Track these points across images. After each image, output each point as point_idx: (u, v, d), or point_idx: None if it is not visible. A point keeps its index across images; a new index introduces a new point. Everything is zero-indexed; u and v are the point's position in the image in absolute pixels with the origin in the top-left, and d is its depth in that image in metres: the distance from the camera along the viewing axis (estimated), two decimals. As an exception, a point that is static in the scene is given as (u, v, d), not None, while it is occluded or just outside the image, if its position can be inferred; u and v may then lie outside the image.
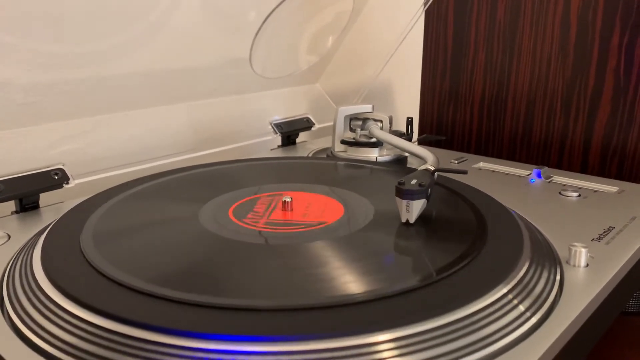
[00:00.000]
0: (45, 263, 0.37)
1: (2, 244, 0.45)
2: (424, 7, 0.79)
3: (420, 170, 0.48)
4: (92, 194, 0.52)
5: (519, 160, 0.76)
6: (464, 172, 0.50)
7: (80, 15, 0.54)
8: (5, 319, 0.34)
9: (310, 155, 0.72)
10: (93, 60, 0.59)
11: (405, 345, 0.29)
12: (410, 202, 0.43)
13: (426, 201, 0.44)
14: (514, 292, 0.35)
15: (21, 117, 0.56)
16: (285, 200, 0.47)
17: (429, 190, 0.45)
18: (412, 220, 0.43)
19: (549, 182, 0.60)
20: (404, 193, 0.43)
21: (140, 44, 0.61)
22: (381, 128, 0.66)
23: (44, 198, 0.54)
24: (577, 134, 0.71)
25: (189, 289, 0.33)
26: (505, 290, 0.34)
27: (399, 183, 0.44)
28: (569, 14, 0.70)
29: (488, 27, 0.77)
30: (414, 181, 0.44)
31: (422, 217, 0.45)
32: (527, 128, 0.75)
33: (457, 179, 0.55)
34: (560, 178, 0.61)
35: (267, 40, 0.74)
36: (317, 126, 0.82)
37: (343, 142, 0.67)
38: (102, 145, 0.64)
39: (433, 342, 0.30)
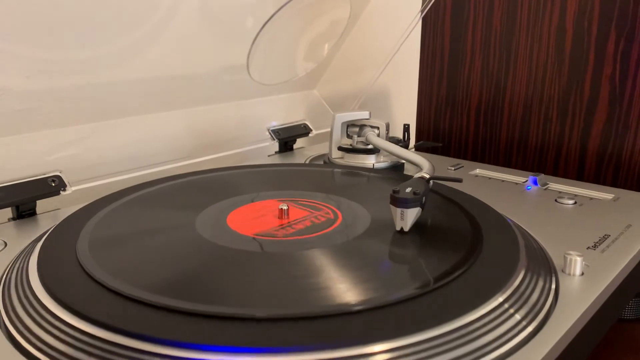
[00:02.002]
0: (41, 271, 0.37)
1: (-1, 251, 0.45)
2: (421, 14, 0.79)
3: (415, 178, 0.48)
4: (89, 201, 0.52)
5: (515, 167, 0.76)
6: (459, 181, 0.51)
7: (78, 22, 0.54)
8: (0, 327, 0.34)
9: (307, 161, 0.72)
10: (91, 67, 0.59)
11: (400, 356, 0.29)
12: (405, 210, 0.43)
13: (421, 209, 0.44)
14: (510, 301, 0.35)
15: (18, 123, 0.56)
16: (282, 208, 0.47)
17: (424, 198, 0.45)
18: (406, 229, 0.44)
19: (545, 189, 0.60)
20: (398, 201, 0.43)
21: (138, 51, 0.61)
22: (378, 135, 0.66)
23: (41, 205, 0.54)
24: (573, 141, 0.72)
25: (186, 298, 0.33)
26: (501, 299, 0.35)
27: (394, 191, 0.44)
28: (565, 21, 0.70)
29: (484, 34, 0.77)
30: (408, 189, 0.44)
31: (418, 225, 0.45)
32: (523, 135, 0.76)
33: (453, 187, 0.55)
34: (556, 185, 0.61)
35: (265, 47, 0.74)
36: (314, 132, 0.82)
37: (340, 148, 0.67)
38: (99, 152, 0.64)
39: (429, 353, 0.30)
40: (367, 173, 0.61)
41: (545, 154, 0.74)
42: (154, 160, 0.69)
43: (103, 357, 0.29)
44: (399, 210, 0.43)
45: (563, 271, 0.41)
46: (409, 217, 0.43)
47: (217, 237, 0.43)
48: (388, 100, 0.99)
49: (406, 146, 0.68)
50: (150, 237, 0.44)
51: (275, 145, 0.78)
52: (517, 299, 0.35)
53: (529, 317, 0.34)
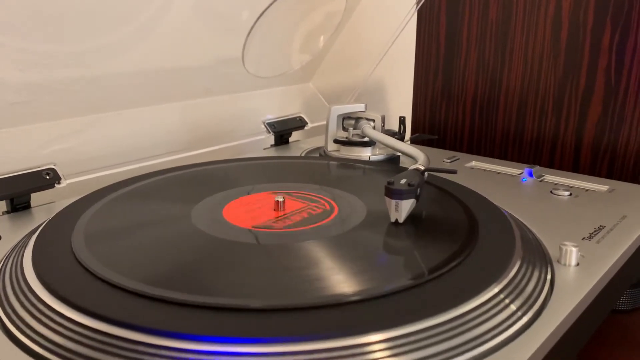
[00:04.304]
0: (36, 264, 0.37)
1: (-7, 244, 0.45)
2: (417, 7, 0.79)
3: (410, 170, 0.48)
4: (84, 194, 0.52)
5: (511, 159, 0.76)
6: (454, 172, 0.51)
7: (73, 15, 0.54)
8: (-5, 320, 0.34)
9: (303, 154, 0.72)
10: (85, 59, 0.58)
11: (396, 345, 0.29)
12: (399, 201, 0.43)
13: (415, 201, 0.44)
14: (506, 292, 0.35)
15: (12, 116, 0.56)
16: (277, 200, 0.47)
17: (419, 190, 0.45)
18: (401, 220, 0.43)
19: (541, 181, 0.60)
20: (392, 193, 0.43)
21: (133, 43, 0.61)
22: (374, 127, 0.66)
23: (35, 198, 0.53)
24: (569, 133, 0.72)
25: (181, 290, 0.33)
26: (496, 290, 0.35)
27: (388, 183, 0.44)
28: (561, 14, 0.70)
29: (480, 26, 0.77)
30: (403, 181, 0.44)
31: (414, 217, 0.45)
32: (519, 127, 0.76)
33: (448, 178, 0.55)
34: (552, 177, 0.61)
35: (260, 40, 0.74)
36: (310, 125, 0.82)
37: (336, 141, 0.67)
38: (94, 145, 0.64)
39: (424, 343, 0.30)
40: (362, 165, 0.61)
41: (541, 146, 0.74)
42: (149, 153, 0.68)
43: (98, 348, 0.29)
44: (393, 201, 0.43)
45: (558, 262, 0.41)
46: (403, 208, 0.43)
47: (213, 229, 0.43)
48: (384, 93, 0.98)
49: (402, 139, 0.68)
50: (145, 230, 0.44)
51: (270, 138, 0.78)
52: (513, 290, 0.35)
53: (525, 307, 0.35)
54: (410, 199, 0.44)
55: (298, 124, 0.81)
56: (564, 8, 0.69)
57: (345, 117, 0.68)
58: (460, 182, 0.54)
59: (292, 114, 0.81)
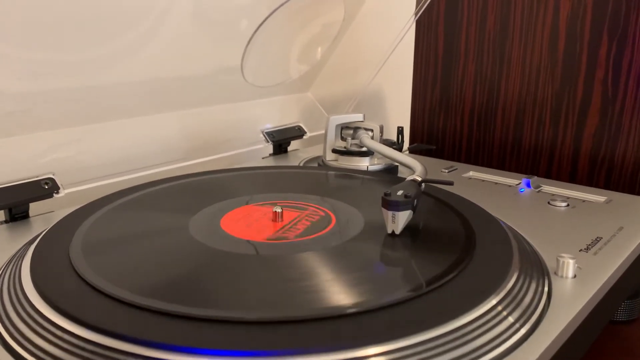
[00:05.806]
0: (34, 274, 0.37)
1: (-9, 254, 0.44)
2: (415, 17, 0.79)
3: (407, 181, 0.48)
4: (83, 204, 0.52)
5: (509, 169, 0.76)
6: (450, 183, 0.50)
7: (71, 24, 0.54)
8: (-7, 331, 0.34)
9: (301, 164, 0.72)
10: (84, 68, 0.58)
11: (394, 359, 0.29)
12: (396, 213, 0.43)
13: (412, 212, 0.44)
14: (504, 304, 0.35)
15: (11, 125, 0.56)
16: (275, 211, 0.47)
17: (415, 201, 0.45)
18: (397, 232, 0.44)
19: (538, 191, 0.60)
20: (389, 204, 0.43)
21: (131, 53, 0.61)
22: (372, 137, 0.66)
23: (34, 208, 0.53)
24: (566, 143, 0.72)
25: (179, 301, 0.33)
26: (494, 301, 0.35)
27: (385, 194, 0.44)
28: (558, 25, 0.70)
29: (478, 37, 0.77)
30: (400, 192, 0.44)
31: (411, 228, 0.45)
32: (516, 137, 0.76)
33: (446, 189, 0.55)
34: (549, 188, 0.61)
35: (259, 49, 0.74)
36: (308, 135, 0.82)
37: (334, 151, 0.67)
38: (92, 154, 0.64)
39: (422, 356, 0.30)
40: (361, 175, 0.61)
41: (539, 157, 0.75)
42: (148, 163, 0.68)
43: (96, 360, 0.29)
44: (390, 213, 0.43)
45: (556, 274, 0.41)
46: (400, 220, 0.43)
47: (210, 240, 0.43)
48: (382, 103, 0.99)
49: (400, 149, 0.68)
50: (143, 240, 0.44)
51: (269, 148, 0.78)
52: (511, 301, 0.35)
53: (522, 319, 0.35)
54: (407, 211, 0.44)
55: (297, 133, 0.81)
56: (561, 19, 0.70)
57: (343, 127, 0.68)
58: (457, 193, 0.54)
59: (291, 123, 0.82)
